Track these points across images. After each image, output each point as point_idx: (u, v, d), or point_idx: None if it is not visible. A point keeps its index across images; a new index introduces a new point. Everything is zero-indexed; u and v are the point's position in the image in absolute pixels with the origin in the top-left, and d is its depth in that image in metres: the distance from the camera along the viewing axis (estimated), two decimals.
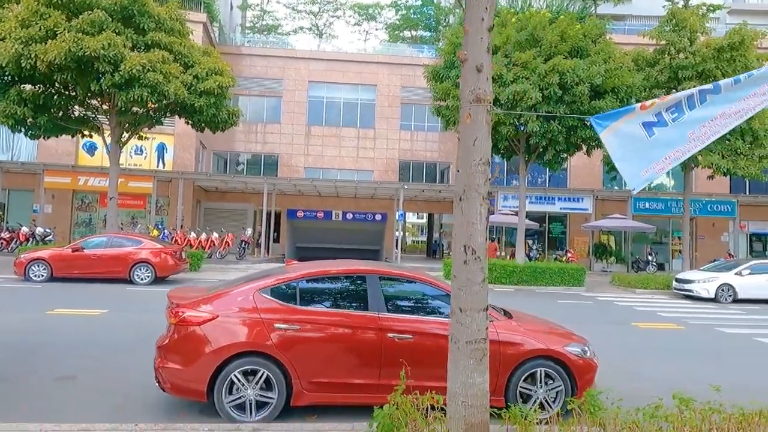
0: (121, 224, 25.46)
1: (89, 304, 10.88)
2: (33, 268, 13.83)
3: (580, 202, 25.61)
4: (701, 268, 18.16)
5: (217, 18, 31.03)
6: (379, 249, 34.21)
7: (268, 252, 27.81)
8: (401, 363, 4.81)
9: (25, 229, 21.15)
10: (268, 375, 4.62)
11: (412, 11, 38.45)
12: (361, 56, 33.73)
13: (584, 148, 18.80)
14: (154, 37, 15.32)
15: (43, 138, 18.04)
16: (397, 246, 27.31)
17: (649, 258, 24.04)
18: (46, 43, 13.91)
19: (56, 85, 16.20)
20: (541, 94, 15.59)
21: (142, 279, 14.12)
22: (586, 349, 5.23)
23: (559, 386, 5.00)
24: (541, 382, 5.01)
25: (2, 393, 5.25)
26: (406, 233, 66.19)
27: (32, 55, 13.95)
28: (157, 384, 4.74)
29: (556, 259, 24.36)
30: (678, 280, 16.92)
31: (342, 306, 4.97)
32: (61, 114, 16.94)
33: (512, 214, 23.40)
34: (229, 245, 22.69)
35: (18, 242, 20.85)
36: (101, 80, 14.52)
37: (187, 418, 4.79)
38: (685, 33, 17.59)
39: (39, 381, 5.68)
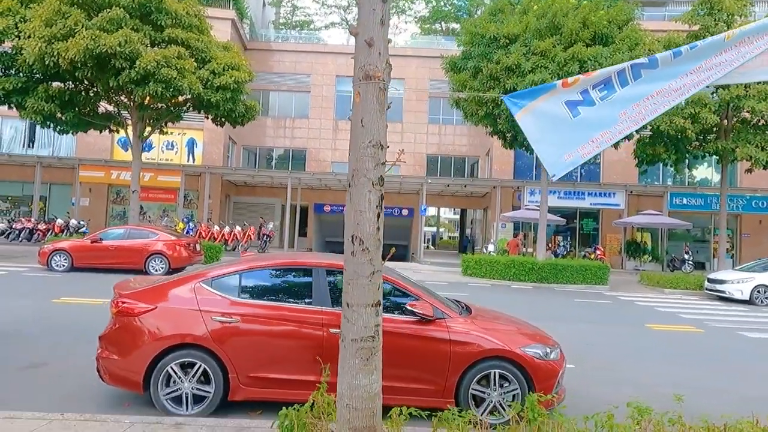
0: (149, 217, 26.31)
1: (98, 293, 11.16)
2: (55, 258, 14.39)
3: (612, 197, 24.52)
4: (737, 267, 17.00)
5: (246, 15, 31.42)
6: (407, 244, 34.01)
7: (293, 245, 28.08)
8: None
9: (60, 221, 22.11)
10: (205, 368, 4.52)
11: (443, 3, 37.82)
12: (389, 49, 33.43)
13: None
14: (171, 33, 15.60)
15: (72, 133, 18.78)
16: (433, 242, 26.91)
17: (686, 257, 22.76)
18: (67, 41, 14.38)
19: (83, 81, 16.79)
20: None
21: (156, 270, 14.44)
22: (549, 351, 4.87)
23: (515, 389, 4.68)
24: (495, 385, 4.70)
25: None
26: (443, 229, 65.60)
27: (55, 53, 14.47)
28: (98, 374, 4.73)
29: (584, 256, 23.42)
30: (710, 281, 15.90)
31: (285, 299, 4.80)
32: (87, 110, 17.53)
33: (538, 209, 22.63)
34: (251, 238, 23.00)
35: (53, 234, 21.81)
36: (119, 76, 14.89)
37: (130, 409, 4.76)
38: (720, 16, 16.43)
39: (13, 367, 5.80)
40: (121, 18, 14.72)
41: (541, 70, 15.16)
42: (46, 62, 14.67)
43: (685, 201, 24.11)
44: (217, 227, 22.74)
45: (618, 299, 14.75)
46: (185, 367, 4.54)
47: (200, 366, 4.51)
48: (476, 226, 37.76)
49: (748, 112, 16.40)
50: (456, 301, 5.79)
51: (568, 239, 27.23)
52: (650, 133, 18.21)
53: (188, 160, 27.75)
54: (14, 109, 17.25)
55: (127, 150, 27.64)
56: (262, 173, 26.84)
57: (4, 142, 27.74)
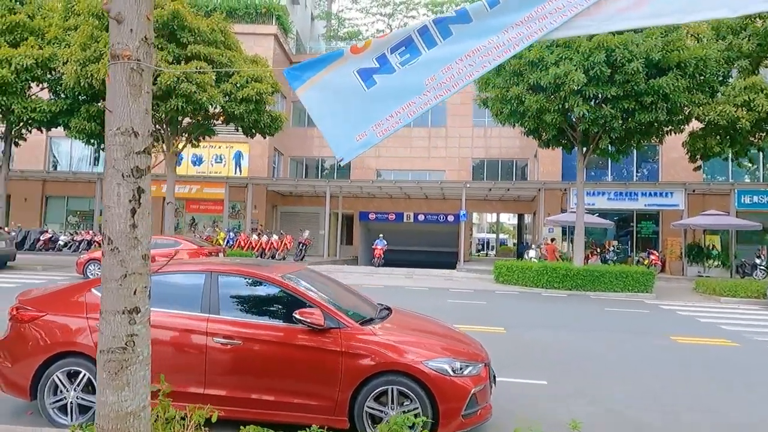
0: (195, 228, 27.48)
1: None
2: (90, 267, 15.24)
3: (669, 197, 22.47)
4: None
5: (290, 29, 32.21)
6: (456, 251, 33.12)
7: (336, 254, 28.18)
8: (232, 371, 4.36)
9: None
10: (89, 377, 4.38)
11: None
12: None
13: (657, 134, 16.46)
14: (193, 49, 16.14)
15: None
16: (490, 248, 26.06)
17: (758, 261, 20.31)
18: (99, 63, 15.29)
19: None
20: (585, 75, 13.84)
21: None
22: (462, 366, 4.28)
23: (416, 409, 4.14)
24: (393, 403, 4.20)
25: None
26: (506, 235, 63.55)
27: (89, 75, 15.43)
28: None
29: (638, 262, 21.58)
30: None
31: (173, 306, 4.56)
32: None
33: (585, 212, 21.10)
34: (287, 247, 23.26)
35: None
36: None
37: (31, 417, 4.73)
38: None
39: None
40: None
41: (565, 62, 14.15)
42: (82, 84, 15.66)
43: (756, 199, 21.62)
44: (255, 236, 23.23)
45: (658, 308, 13.33)
46: (71, 375, 4.42)
47: (85, 375, 4.38)
48: (529, 231, 36.13)
49: None
50: (386, 307, 5.32)
51: (624, 243, 25.30)
52: (702, 125, 16.50)
53: (235, 172, 28.69)
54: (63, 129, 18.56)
55: (180, 164, 29.19)
56: (303, 183, 27.21)
57: (74, 161, 30.10)
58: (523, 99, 15.18)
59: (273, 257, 23.34)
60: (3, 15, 17.63)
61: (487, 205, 32.91)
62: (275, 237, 23.33)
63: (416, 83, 2.59)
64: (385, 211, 31.43)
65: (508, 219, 59.47)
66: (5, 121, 18.33)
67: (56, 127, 18.70)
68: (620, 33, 14.11)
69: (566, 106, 14.73)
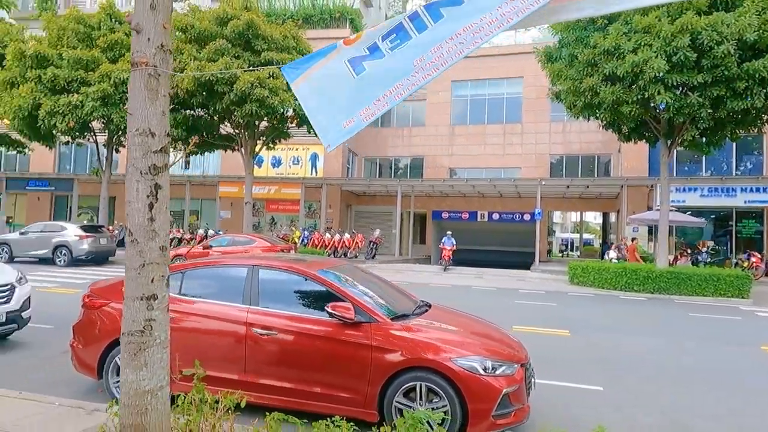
0: (273, 226, 28.77)
1: None
2: (174, 262, 16.49)
3: None
4: None
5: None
6: (533, 251, 31.98)
7: (408, 253, 28.31)
8: (267, 360, 4.56)
9: (200, 231, 25.32)
10: None
11: None
12: (505, 48, 32.09)
13: (754, 123, 14.91)
14: (267, 56, 16.95)
15: (200, 153, 21.38)
16: (572, 248, 25.18)
17: None
18: (183, 74, 16.50)
19: (203, 107, 19.09)
20: (667, 62, 12.83)
21: None
22: (494, 365, 4.16)
23: (444, 407, 4.09)
24: (421, 399, 4.18)
25: (13, 361, 6.40)
26: (593, 235, 60.41)
27: (174, 85, 16.69)
28: (71, 362, 5.27)
29: (737, 264, 19.67)
30: None
31: (219, 297, 4.86)
32: (209, 133, 19.84)
33: (674, 210, 19.59)
34: (359, 246, 23.70)
35: (197, 242, 25.00)
36: (223, 100, 16.60)
37: (102, 394, 5.23)
38: None
39: (52, 352, 6.77)
40: (224, 48, 16.44)
41: (644, 48, 13.20)
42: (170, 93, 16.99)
43: None
44: (328, 235, 23.93)
45: (754, 315, 12.08)
46: None
47: None
48: (613, 230, 34.09)
49: None
50: (426, 304, 5.30)
51: (726, 245, 23.14)
52: None
53: (311, 173, 29.72)
54: None
55: (260, 167, 30.75)
56: (376, 182, 27.59)
57: None
58: (598, 90, 14.37)
59: (345, 255, 23.91)
60: (105, 35, 19.55)
61: (567, 204, 31.54)
62: (347, 236, 23.87)
63: (405, 65, 2.58)
64: (458, 210, 31.06)
65: (594, 218, 56.44)
66: (107, 130, 20.27)
67: None
68: (708, 14, 12.98)
69: (646, 96, 13.73)
